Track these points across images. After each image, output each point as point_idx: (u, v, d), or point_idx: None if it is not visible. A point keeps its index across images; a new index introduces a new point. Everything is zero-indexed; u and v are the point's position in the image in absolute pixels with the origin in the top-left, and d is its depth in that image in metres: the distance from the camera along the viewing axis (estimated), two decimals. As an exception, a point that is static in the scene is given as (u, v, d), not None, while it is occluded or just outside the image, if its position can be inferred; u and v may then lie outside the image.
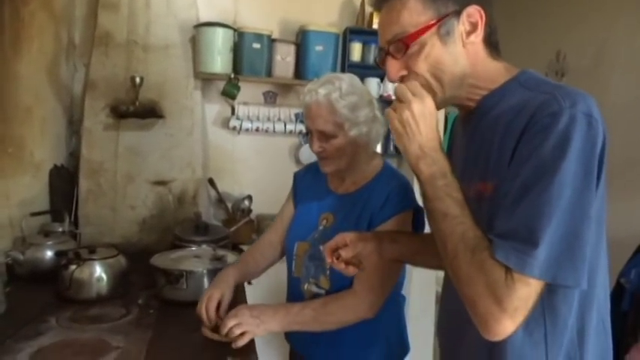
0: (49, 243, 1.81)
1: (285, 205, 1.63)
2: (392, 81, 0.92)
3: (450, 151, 1.17)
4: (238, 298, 1.68)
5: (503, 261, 0.75)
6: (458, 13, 0.87)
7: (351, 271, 1.14)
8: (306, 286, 1.45)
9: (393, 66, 0.91)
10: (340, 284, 1.37)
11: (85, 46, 2.51)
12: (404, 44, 0.88)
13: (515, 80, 0.90)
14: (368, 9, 2.89)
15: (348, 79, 1.39)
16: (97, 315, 1.48)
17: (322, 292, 1.42)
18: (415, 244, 1.24)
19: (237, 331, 1.25)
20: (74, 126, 2.49)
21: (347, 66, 2.80)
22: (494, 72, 0.92)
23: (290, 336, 1.60)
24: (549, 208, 0.74)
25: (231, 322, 1.27)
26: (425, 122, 0.85)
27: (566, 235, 0.75)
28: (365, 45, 2.89)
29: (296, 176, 1.64)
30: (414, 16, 0.87)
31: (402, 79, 0.91)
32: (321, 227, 1.46)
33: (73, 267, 1.57)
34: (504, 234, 0.77)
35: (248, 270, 1.57)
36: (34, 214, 1.96)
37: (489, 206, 0.85)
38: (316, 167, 1.59)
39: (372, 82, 2.85)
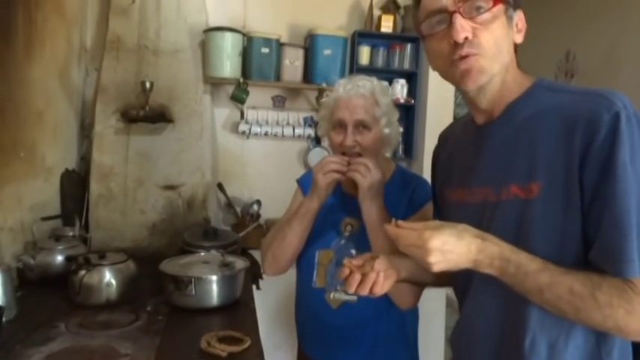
0: (60, 247, 1.82)
1: (294, 207, 1.57)
2: (458, 39, 0.85)
3: (439, 159, 1.17)
4: (247, 313, 1.65)
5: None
6: (517, 8, 0.90)
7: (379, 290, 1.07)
8: (332, 295, 1.39)
9: (464, 24, 0.85)
10: None
11: (96, 51, 2.54)
12: (485, 4, 0.85)
13: (538, 85, 0.93)
14: (376, 12, 2.89)
15: (378, 82, 1.43)
16: (106, 321, 1.48)
17: (354, 298, 1.38)
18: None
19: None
20: (85, 130, 2.51)
21: (355, 70, 2.79)
22: (519, 78, 0.95)
23: (303, 339, 1.59)
24: None
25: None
26: (452, 243, 0.85)
27: None
28: (373, 48, 2.89)
29: (301, 183, 1.60)
30: None
31: (464, 40, 0.86)
32: (347, 233, 1.42)
33: (83, 272, 1.58)
34: (625, 260, 0.78)
35: None
36: (45, 219, 1.97)
37: (540, 207, 0.85)
38: None
39: (381, 86, 2.83)
